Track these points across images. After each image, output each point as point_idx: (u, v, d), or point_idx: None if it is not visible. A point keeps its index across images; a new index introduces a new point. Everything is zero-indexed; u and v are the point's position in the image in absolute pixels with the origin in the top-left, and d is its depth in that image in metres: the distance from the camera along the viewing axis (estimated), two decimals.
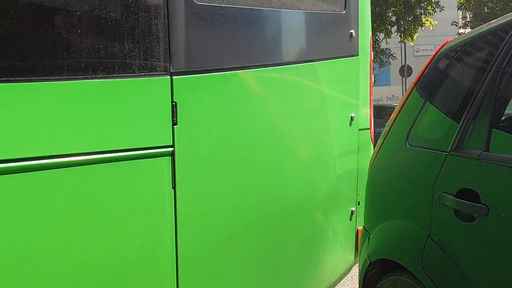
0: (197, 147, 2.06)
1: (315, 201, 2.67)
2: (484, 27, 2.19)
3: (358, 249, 2.74)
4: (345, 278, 4.02)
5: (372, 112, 3.02)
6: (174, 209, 1.99)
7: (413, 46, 31.12)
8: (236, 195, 2.25)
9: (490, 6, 25.90)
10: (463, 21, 31.07)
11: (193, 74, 2.04)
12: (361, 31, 2.88)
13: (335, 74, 2.77)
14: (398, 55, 25.39)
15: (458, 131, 1.92)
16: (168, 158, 1.94)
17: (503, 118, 1.90)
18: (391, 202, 2.36)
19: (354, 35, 2.79)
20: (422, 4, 20.64)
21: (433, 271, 1.86)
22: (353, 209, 2.87)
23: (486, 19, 22.48)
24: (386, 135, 2.57)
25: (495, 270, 1.64)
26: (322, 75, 2.67)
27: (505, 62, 1.82)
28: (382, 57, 23.22)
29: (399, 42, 25.08)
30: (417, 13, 20.93)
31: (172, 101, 1.93)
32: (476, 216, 1.67)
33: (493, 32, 2.07)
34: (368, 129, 2.96)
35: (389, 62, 24.28)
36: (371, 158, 2.66)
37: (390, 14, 21.42)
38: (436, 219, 1.90)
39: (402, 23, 21.12)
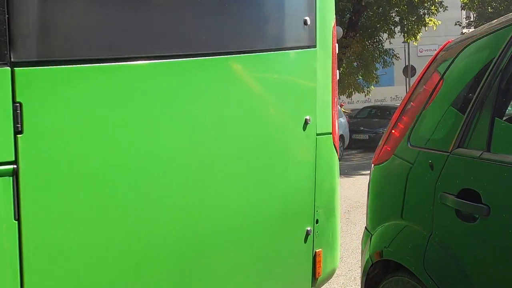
0: (50, 163, 1.54)
1: (255, 224, 2.18)
2: (486, 27, 2.19)
3: (319, 274, 2.39)
4: (348, 279, 4.03)
5: (336, 114, 2.56)
6: (19, 251, 1.46)
7: (417, 46, 31.04)
8: (116, 227, 1.69)
9: (494, 6, 25.83)
10: (467, 21, 31.02)
11: (45, 66, 1.52)
12: (320, 18, 2.37)
13: (283, 69, 2.32)
14: (401, 55, 25.36)
15: (459, 131, 1.91)
16: (9, 179, 1.45)
17: (504, 118, 1.89)
18: (393, 203, 2.35)
19: (309, 22, 2.30)
20: (426, 4, 20.62)
21: (434, 271, 1.86)
22: (308, 228, 2.35)
23: (490, 19, 22.43)
24: (388, 135, 2.57)
25: (496, 270, 1.63)
26: (264, 70, 2.23)
27: (506, 61, 1.82)
28: (385, 57, 23.20)
29: (402, 42, 25.07)
30: (421, 13, 20.91)
31: (15, 102, 1.45)
32: (477, 216, 1.67)
33: (494, 32, 2.07)
34: (330, 133, 2.48)
35: (393, 62, 24.24)
36: (373, 158, 2.65)
37: (393, 14, 21.40)
38: (437, 220, 1.90)
39: (405, 23, 21.09)
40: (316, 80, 2.36)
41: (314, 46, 2.33)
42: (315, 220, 2.39)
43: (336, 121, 2.55)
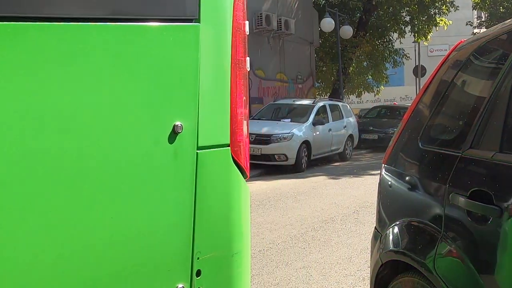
0: None
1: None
2: (498, 27, 2.17)
3: None
4: (357, 279, 4.02)
5: (245, 117, 1.86)
6: None
7: (427, 46, 30.90)
8: None
9: (506, 5, 25.60)
10: (478, 21, 30.80)
11: None
12: None
13: (137, 49, 1.57)
14: (411, 55, 25.21)
15: (472, 131, 1.90)
16: None
17: None
18: (403, 203, 2.35)
19: None
20: (437, 4, 20.48)
21: (445, 272, 1.85)
22: (181, 286, 1.66)
23: (502, 18, 22.26)
24: (399, 136, 2.56)
25: (508, 272, 1.62)
26: (102, 49, 1.51)
27: None
28: (395, 57, 23.11)
29: (413, 42, 24.93)
30: (432, 13, 20.78)
31: None
32: (489, 217, 1.66)
33: (507, 32, 2.05)
34: (228, 146, 1.78)
35: (403, 62, 24.13)
36: (383, 158, 2.64)
37: (404, 13, 21.30)
38: (448, 220, 1.89)
39: (416, 23, 20.98)
40: (198, 70, 1.67)
41: (196, 20, 1.67)
42: (193, 271, 1.68)
43: (245, 127, 1.85)
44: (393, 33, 21.98)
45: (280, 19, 15.60)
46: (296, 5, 17.19)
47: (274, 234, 5.57)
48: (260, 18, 14.87)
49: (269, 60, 15.98)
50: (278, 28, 15.50)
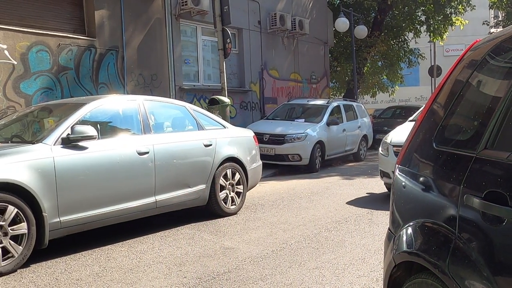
0: None
1: None
2: None
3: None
4: (370, 280, 4.00)
5: None
6: None
7: (443, 46, 30.62)
8: None
9: None
10: (495, 21, 30.43)
11: None
12: None
13: None
14: (427, 55, 25.01)
15: (487, 132, 1.88)
16: None
17: None
18: (417, 204, 2.33)
19: None
20: (453, 3, 20.28)
21: (459, 274, 1.83)
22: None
23: None
24: (413, 136, 2.54)
25: None
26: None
27: None
28: (410, 57, 22.94)
29: (428, 42, 24.74)
30: (448, 12, 20.58)
31: None
32: (504, 219, 1.64)
33: None
34: None
35: (418, 62, 23.95)
36: (397, 159, 2.62)
37: (419, 13, 21.13)
38: (462, 222, 1.88)
39: (431, 22, 20.81)
40: None
41: None
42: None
43: None
44: (409, 32, 21.82)
45: (294, 19, 15.57)
46: (310, 5, 17.15)
47: (288, 234, 5.57)
48: (275, 18, 14.86)
49: (283, 60, 15.97)
50: (292, 28, 15.48)
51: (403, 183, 2.50)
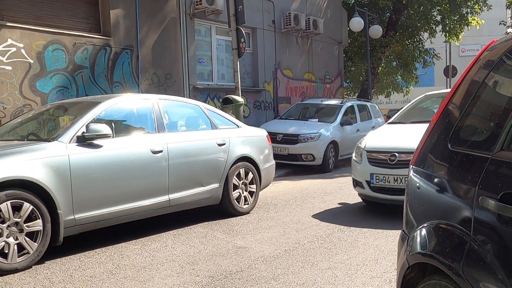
0: None
1: None
2: None
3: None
4: (383, 281, 3.98)
5: None
6: None
7: (459, 46, 30.35)
8: None
9: None
10: None
11: None
12: None
13: None
14: (442, 55, 24.77)
15: (503, 133, 1.86)
16: None
17: None
18: (432, 205, 2.31)
19: None
20: (469, 3, 20.07)
21: (473, 276, 1.82)
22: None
23: None
24: (428, 136, 2.52)
25: None
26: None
27: None
28: (426, 57, 22.76)
29: (444, 42, 24.53)
30: (464, 12, 20.37)
31: None
32: None
33: None
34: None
35: (433, 62, 23.74)
36: (412, 159, 2.61)
37: (435, 13, 20.94)
38: (477, 223, 1.86)
39: (447, 22, 20.63)
40: None
41: None
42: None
43: None
44: (424, 32, 21.65)
45: (308, 18, 15.54)
46: (325, 5, 17.09)
47: (300, 234, 5.56)
48: (289, 18, 14.84)
49: (297, 59, 15.94)
50: (306, 27, 15.45)
51: (417, 184, 2.48)
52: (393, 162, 6.31)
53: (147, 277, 4.12)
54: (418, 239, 2.28)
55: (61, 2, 9.87)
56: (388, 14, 21.65)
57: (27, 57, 9.05)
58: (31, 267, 4.37)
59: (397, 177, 6.26)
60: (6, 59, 8.74)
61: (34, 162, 4.48)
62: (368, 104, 14.31)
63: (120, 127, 5.69)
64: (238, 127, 7.12)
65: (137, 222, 5.60)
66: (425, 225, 2.27)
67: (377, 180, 6.43)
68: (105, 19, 10.55)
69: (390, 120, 7.98)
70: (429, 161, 2.47)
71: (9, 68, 8.80)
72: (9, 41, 8.80)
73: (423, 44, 22.31)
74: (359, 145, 6.98)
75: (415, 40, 21.87)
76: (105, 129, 4.99)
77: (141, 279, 4.08)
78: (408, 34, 21.20)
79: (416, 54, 22.05)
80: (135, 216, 5.41)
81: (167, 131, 5.89)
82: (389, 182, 6.33)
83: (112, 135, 5.11)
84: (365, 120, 13.49)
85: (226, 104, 10.35)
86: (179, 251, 4.92)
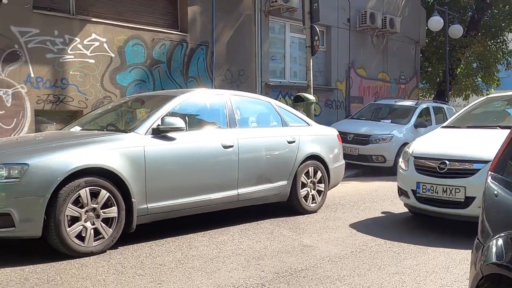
0: None
1: None
2: None
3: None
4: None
5: None
6: None
7: None
8: None
9: None
10: None
11: None
12: None
13: None
14: None
15: None
16: None
17: None
18: (510, 214, 2.20)
19: None
20: None
21: None
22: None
23: None
24: (508, 143, 2.41)
25: None
26: None
27: None
28: (509, 58, 21.60)
29: None
30: None
31: None
32: None
33: None
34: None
35: None
36: (490, 165, 2.50)
37: None
38: None
39: None
40: None
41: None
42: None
43: None
44: (508, 33, 20.56)
45: (385, 17, 15.19)
46: (402, 3, 16.64)
47: (368, 236, 5.47)
48: (364, 16, 14.59)
49: (372, 58, 15.64)
50: (382, 26, 15.11)
51: (495, 192, 2.37)
52: (443, 171, 5.59)
53: (214, 269, 4.21)
54: (494, 249, 2.18)
55: None
56: (470, 13, 20.75)
57: (109, 51, 9.47)
58: (105, 251, 4.59)
59: (446, 188, 5.52)
60: (90, 53, 9.20)
61: (112, 152, 4.69)
62: (445, 106, 13.79)
63: (193, 121, 5.83)
64: (309, 125, 7.10)
65: (206, 215, 5.73)
66: (503, 234, 2.17)
67: (424, 190, 5.73)
68: (182, 16, 10.84)
69: (444, 124, 7.34)
70: (509, 168, 2.36)
71: (92, 61, 9.24)
72: (93, 36, 9.24)
73: (507, 45, 21.18)
74: (407, 150, 6.32)
75: (499, 40, 20.81)
76: (179, 122, 5.14)
77: (208, 270, 4.18)
78: (491, 34, 20.22)
79: (499, 56, 20.99)
80: (204, 209, 5.54)
81: (238, 126, 5.97)
82: (437, 192, 5.59)
83: (185, 128, 5.25)
84: (441, 123, 13.01)
85: (297, 102, 10.34)
86: (245, 245, 4.99)
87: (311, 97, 10.42)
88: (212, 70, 11.19)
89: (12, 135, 8.34)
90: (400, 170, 6.23)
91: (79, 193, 4.41)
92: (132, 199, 4.75)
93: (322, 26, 13.61)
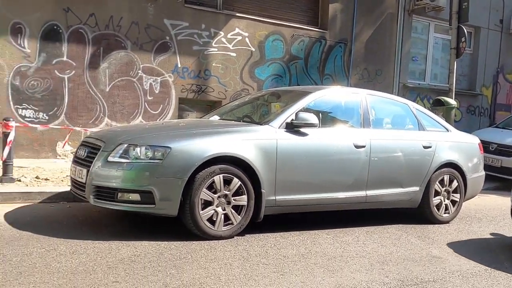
0: None
1: None
2: None
3: None
4: None
5: None
6: None
7: None
8: None
9: None
10: None
11: None
12: None
13: None
14: None
15: None
16: None
17: None
18: None
19: None
20: None
21: None
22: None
23: None
24: None
25: None
26: None
27: None
28: None
29: None
30: None
31: None
32: None
33: None
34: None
35: None
36: None
37: None
38: None
39: None
40: None
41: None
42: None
43: None
44: None
45: None
46: None
47: (505, 255, 5.05)
48: None
49: None
50: None
51: None
52: None
53: (336, 268, 4.19)
54: None
55: None
56: None
57: (250, 45, 9.81)
58: (233, 237, 4.79)
59: None
60: (232, 46, 9.60)
61: (246, 143, 4.86)
62: None
63: (327, 118, 5.83)
64: (448, 130, 6.73)
65: (331, 213, 5.70)
66: None
67: None
68: (323, 13, 10.86)
69: None
70: None
71: (234, 54, 9.64)
72: (236, 30, 9.63)
73: None
74: None
75: None
76: (312, 118, 5.17)
77: (331, 268, 4.17)
78: None
79: None
80: (330, 207, 5.52)
81: (372, 127, 5.85)
82: None
83: (318, 125, 5.27)
84: None
85: (436, 105, 9.86)
86: (370, 248, 4.88)
87: (452, 101, 9.86)
88: (349, 68, 11.07)
89: (158, 119, 9.02)
90: None
91: (213, 179, 4.64)
92: (262, 190, 4.89)
93: (470, 27, 12.80)
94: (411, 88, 12.04)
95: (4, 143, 6.38)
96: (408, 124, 6.51)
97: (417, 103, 11.40)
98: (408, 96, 11.71)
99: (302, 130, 5.21)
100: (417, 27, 12.47)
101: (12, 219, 5.04)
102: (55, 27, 8.25)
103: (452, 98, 10.06)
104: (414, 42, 12.45)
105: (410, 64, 12.29)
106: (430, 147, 6.21)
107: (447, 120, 8.72)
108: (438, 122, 6.78)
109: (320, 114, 5.55)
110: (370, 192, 5.69)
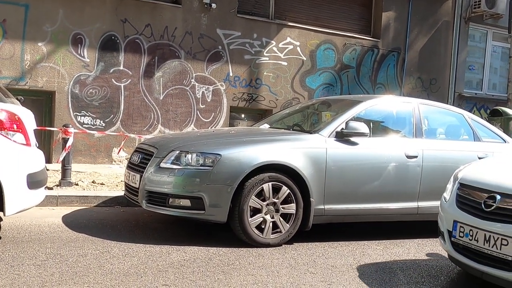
0: None
1: None
2: None
3: None
4: None
5: None
6: None
7: None
8: None
9: None
10: None
11: None
12: None
13: None
14: None
15: None
16: None
17: None
18: None
19: None
20: None
21: None
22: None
23: None
24: None
25: None
26: None
27: None
28: None
29: None
30: None
31: None
32: None
33: None
34: None
35: None
36: None
37: None
38: None
39: None
40: None
41: None
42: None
43: None
44: None
45: None
46: None
47: None
48: None
49: None
50: None
51: None
52: (489, 209, 3.55)
53: (386, 279, 4.12)
54: None
55: (338, 4, 10.43)
56: None
57: (301, 54, 9.84)
58: (281, 245, 4.80)
59: (490, 236, 3.49)
60: (283, 55, 9.66)
61: (295, 151, 4.88)
62: None
63: (377, 127, 5.76)
64: (505, 142, 6.49)
65: (381, 224, 5.62)
66: None
67: (461, 234, 3.77)
68: (376, 21, 10.76)
69: None
70: None
71: (285, 63, 9.70)
72: (288, 39, 9.69)
73: None
74: (456, 173, 4.32)
75: None
76: (363, 127, 5.12)
77: (381, 280, 4.10)
78: None
79: None
80: (381, 217, 5.44)
81: (424, 137, 5.74)
82: (477, 240, 3.59)
83: (369, 134, 5.21)
84: None
85: (494, 116, 9.53)
86: (421, 260, 4.78)
87: (510, 111, 9.51)
88: (402, 77, 10.90)
89: (209, 127, 9.18)
90: (442, 200, 4.30)
91: (262, 187, 4.68)
92: (311, 199, 4.88)
93: None
94: (467, 98, 11.71)
95: (63, 148, 6.67)
96: (463, 134, 6.33)
97: (473, 113, 11.07)
98: (464, 106, 11.39)
99: (352, 139, 5.17)
100: (474, 35, 12.14)
101: (69, 221, 5.26)
102: (112, 37, 8.58)
103: (510, 108, 9.71)
104: (471, 50, 12.11)
105: (467, 73, 11.96)
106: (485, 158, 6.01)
107: (505, 131, 8.41)
108: (495, 133, 6.56)
109: (371, 123, 5.49)
110: (422, 204, 5.57)
